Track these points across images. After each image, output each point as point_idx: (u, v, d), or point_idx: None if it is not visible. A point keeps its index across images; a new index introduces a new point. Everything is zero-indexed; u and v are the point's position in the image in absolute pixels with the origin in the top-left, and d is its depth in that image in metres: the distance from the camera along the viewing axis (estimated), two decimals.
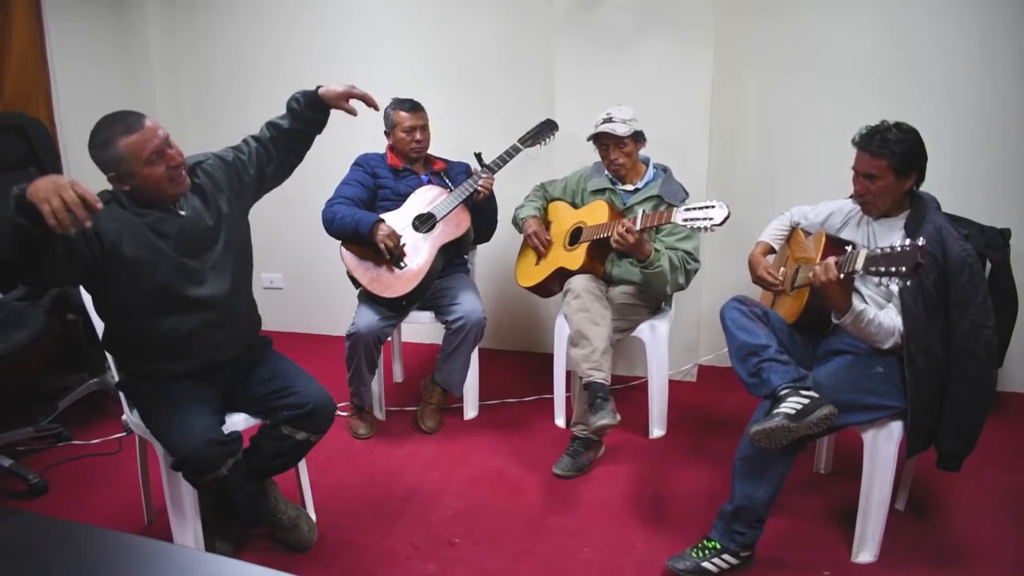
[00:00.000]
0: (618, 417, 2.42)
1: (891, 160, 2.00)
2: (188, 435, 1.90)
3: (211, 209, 2.05)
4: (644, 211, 2.58)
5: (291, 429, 2.09)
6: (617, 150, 2.74)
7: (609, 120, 2.70)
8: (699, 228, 2.30)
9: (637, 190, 2.82)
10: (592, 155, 2.88)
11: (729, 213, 2.27)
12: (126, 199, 1.92)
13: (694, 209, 2.33)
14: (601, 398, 2.45)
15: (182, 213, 1.98)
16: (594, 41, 3.13)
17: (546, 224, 2.97)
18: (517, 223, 3.01)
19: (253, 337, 2.22)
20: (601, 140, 2.75)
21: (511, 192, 3.13)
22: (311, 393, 2.11)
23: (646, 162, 2.87)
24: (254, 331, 2.24)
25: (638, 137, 2.77)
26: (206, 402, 2.01)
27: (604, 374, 2.50)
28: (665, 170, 2.87)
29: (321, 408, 2.12)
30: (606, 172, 2.86)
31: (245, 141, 2.21)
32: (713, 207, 2.29)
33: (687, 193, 2.79)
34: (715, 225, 2.28)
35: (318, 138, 3.96)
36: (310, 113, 2.23)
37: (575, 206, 2.93)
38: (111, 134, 1.83)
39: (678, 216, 2.37)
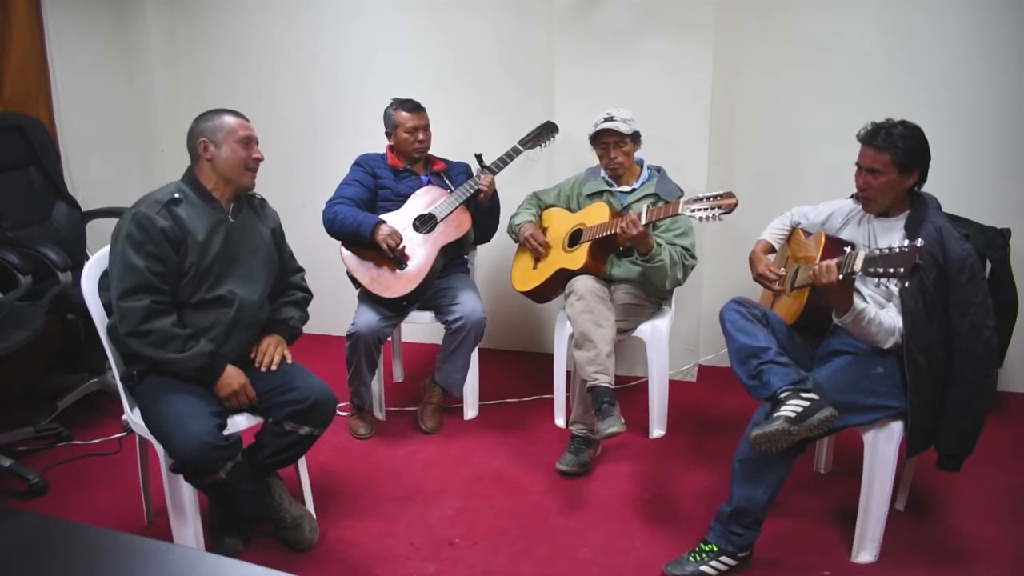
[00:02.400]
0: (624, 423, 2.42)
1: (895, 155, 2.00)
2: (186, 439, 1.91)
3: (257, 230, 2.23)
4: (648, 206, 2.58)
5: (293, 424, 2.11)
6: (617, 149, 2.75)
7: (611, 119, 2.71)
8: (706, 218, 2.31)
9: (634, 190, 2.83)
10: (591, 157, 2.88)
11: (737, 202, 2.27)
12: (191, 188, 2.11)
13: (701, 199, 2.33)
14: (607, 403, 2.45)
15: (232, 220, 2.15)
16: (594, 41, 3.13)
17: (542, 230, 2.97)
18: (513, 230, 3.01)
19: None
20: (602, 139, 2.76)
21: (511, 194, 3.13)
22: (311, 387, 2.13)
23: (640, 164, 2.88)
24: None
25: (636, 137, 2.79)
26: (206, 403, 2.02)
27: (609, 377, 2.50)
28: (659, 170, 2.88)
29: (322, 402, 2.13)
30: (603, 175, 2.87)
31: (294, 260, 2.42)
32: (719, 196, 2.29)
33: (682, 191, 2.79)
34: (723, 214, 2.28)
35: (318, 138, 3.97)
36: None
37: (571, 211, 2.94)
38: (222, 111, 2.14)
39: (685, 207, 2.37)
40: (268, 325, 2.27)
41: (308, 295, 2.42)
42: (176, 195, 2.06)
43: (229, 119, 2.12)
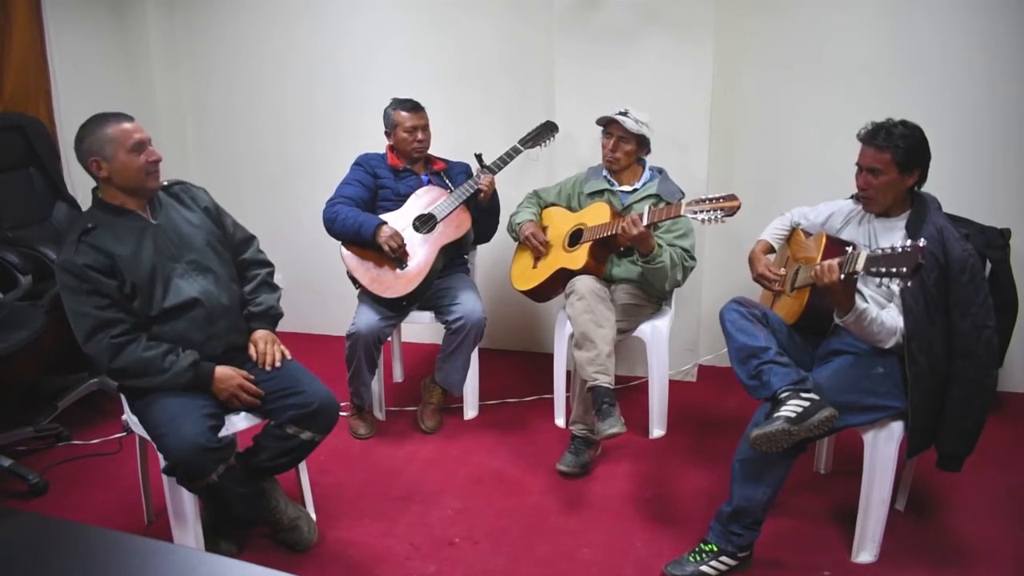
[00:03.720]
0: (625, 424, 2.42)
1: (895, 155, 2.00)
2: (177, 441, 1.90)
3: (185, 219, 2.15)
4: (650, 206, 2.58)
5: (296, 429, 2.10)
6: (618, 145, 2.75)
7: (624, 114, 2.71)
8: (708, 220, 2.31)
9: (635, 190, 2.83)
10: (591, 157, 2.88)
11: (740, 204, 2.27)
12: (101, 211, 2.04)
13: (704, 201, 2.34)
14: (608, 403, 2.45)
15: (154, 222, 2.08)
16: (594, 41, 3.13)
17: (542, 229, 2.97)
18: (513, 229, 3.01)
19: (245, 330, 2.23)
20: (608, 129, 2.76)
21: (511, 194, 3.13)
22: (316, 392, 2.11)
23: (642, 164, 2.88)
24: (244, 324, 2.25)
25: (643, 142, 2.78)
26: (201, 403, 2.01)
27: (609, 378, 2.51)
28: (661, 171, 2.88)
29: (326, 407, 2.12)
30: (604, 173, 2.87)
31: (240, 229, 2.32)
32: (722, 198, 2.29)
33: (683, 193, 2.79)
34: (725, 216, 2.28)
35: (318, 138, 3.96)
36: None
37: (572, 210, 2.94)
38: (102, 121, 2.02)
39: (687, 209, 2.38)
40: (249, 319, 2.23)
41: (270, 268, 2.35)
42: (88, 225, 2.00)
43: (112, 129, 1.99)
